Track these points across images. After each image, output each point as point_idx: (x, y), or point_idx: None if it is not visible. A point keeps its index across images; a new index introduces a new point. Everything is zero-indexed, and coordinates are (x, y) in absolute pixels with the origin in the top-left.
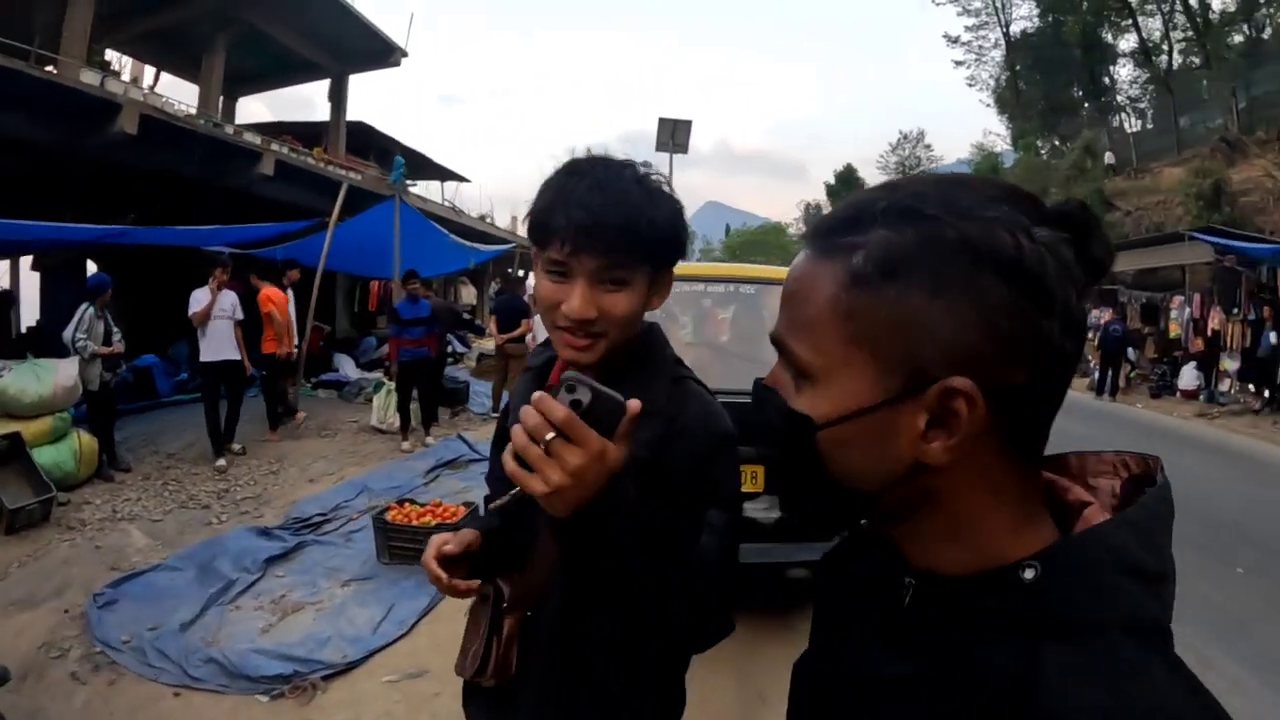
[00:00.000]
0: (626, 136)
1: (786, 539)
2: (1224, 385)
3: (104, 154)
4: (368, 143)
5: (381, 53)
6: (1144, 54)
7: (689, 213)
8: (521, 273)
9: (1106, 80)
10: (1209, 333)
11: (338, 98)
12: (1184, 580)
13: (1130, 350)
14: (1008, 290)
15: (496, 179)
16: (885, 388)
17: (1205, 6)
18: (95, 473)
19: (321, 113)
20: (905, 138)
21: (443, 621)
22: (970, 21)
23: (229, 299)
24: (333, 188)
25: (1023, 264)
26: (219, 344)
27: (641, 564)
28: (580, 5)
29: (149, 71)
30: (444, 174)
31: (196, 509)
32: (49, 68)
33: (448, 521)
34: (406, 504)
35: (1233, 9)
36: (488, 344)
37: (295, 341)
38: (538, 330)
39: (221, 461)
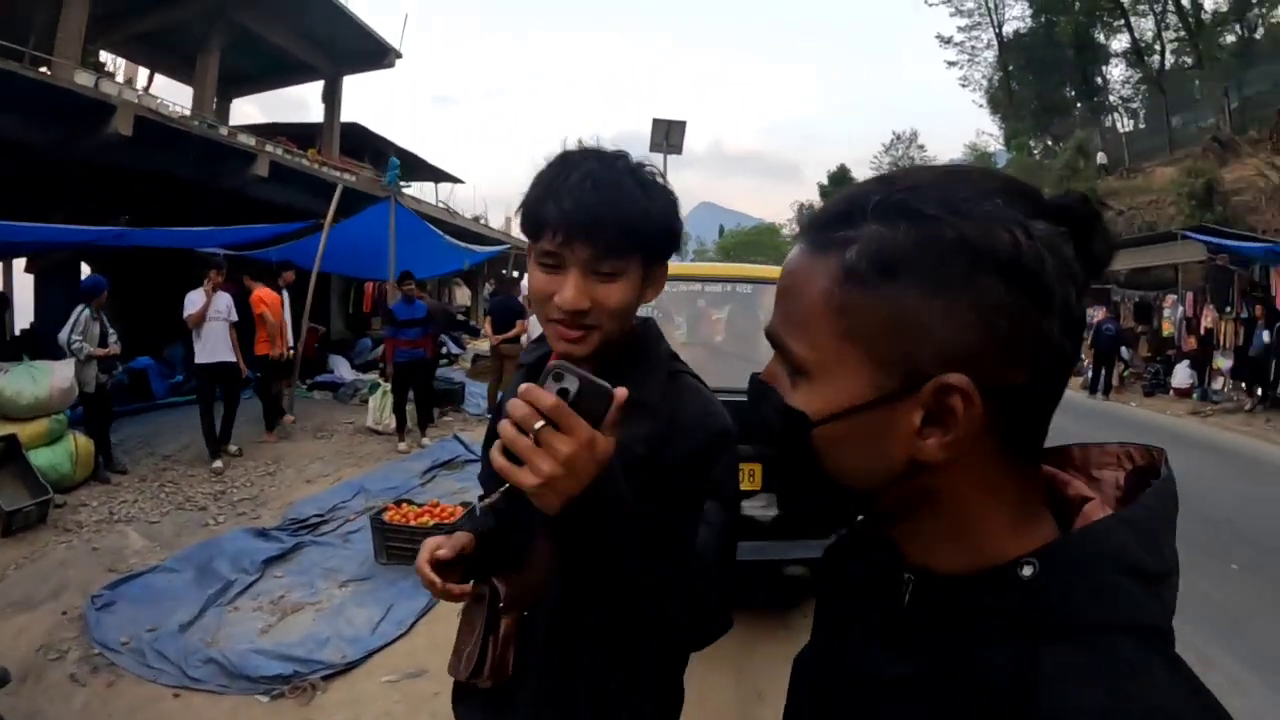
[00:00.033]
0: (621, 137)
1: (784, 537)
2: (1217, 383)
3: (98, 155)
4: (362, 144)
5: (375, 54)
6: (1136, 54)
7: (682, 213)
8: (516, 274)
9: (1099, 80)
10: (1202, 331)
11: (332, 99)
12: (1181, 577)
13: (1124, 349)
14: (1005, 289)
15: (490, 180)
16: (880, 384)
17: (1197, 7)
18: (91, 475)
19: (314, 114)
20: (899, 138)
21: (441, 621)
22: (963, 22)
23: (224, 301)
24: (327, 189)
25: (1020, 262)
26: (214, 346)
27: (638, 561)
28: (574, 6)
29: (143, 73)
30: (438, 175)
31: (193, 510)
32: (43, 69)
33: (446, 522)
34: (404, 504)
35: (1225, 9)
36: (483, 345)
37: (290, 343)
38: (533, 330)
39: (218, 463)
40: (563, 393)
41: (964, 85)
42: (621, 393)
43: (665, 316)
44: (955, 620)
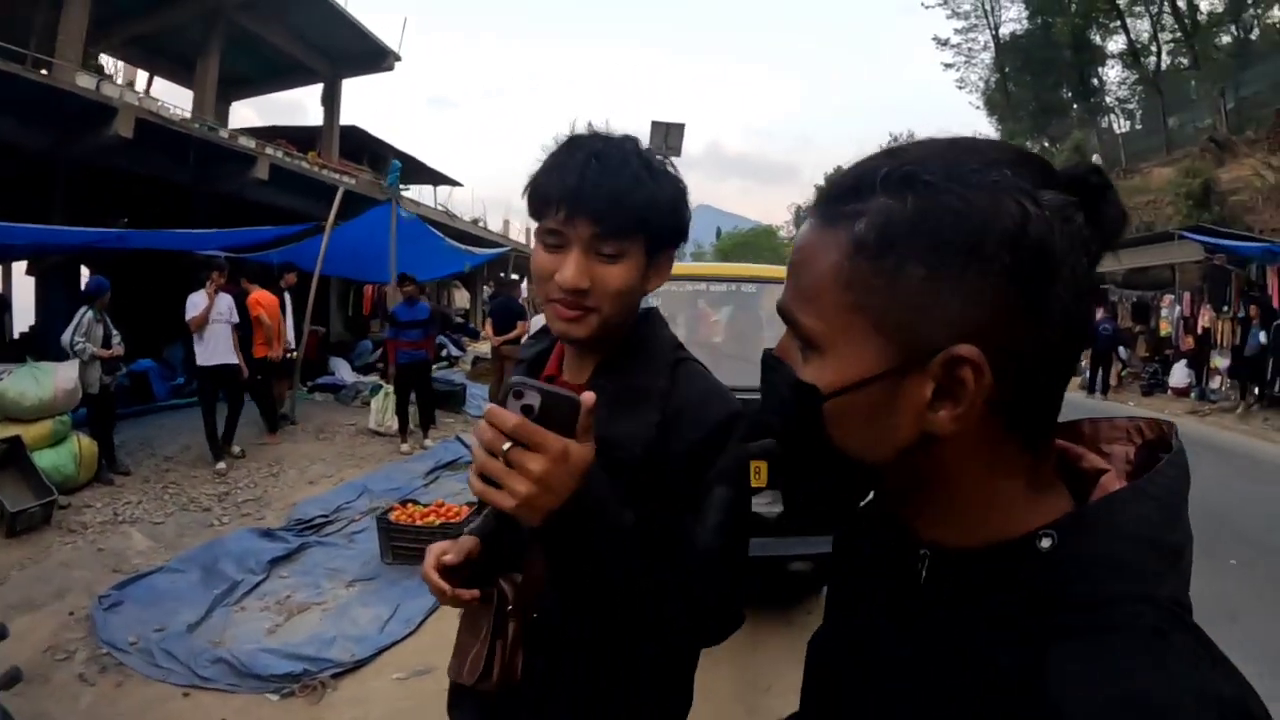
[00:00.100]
0: None
1: (789, 533)
2: (1215, 383)
3: (98, 158)
4: (361, 147)
5: (374, 56)
6: (1133, 55)
7: None
8: (515, 276)
9: (1095, 81)
10: (1199, 331)
11: (331, 101)
12: None
13: (1121, 349)
14: (1012, 258)
15: (488, 183)
16: (890, 357)
17: (1193, 7)
18: (95, 476)
19: (310, 118)
20: (896, 140)
21: (449, 620)
22: (960, 24)
23: (225, 302)
24: (327, 192)
25: (1027, 231)
26: (216, 348)
27: (628, 566)
28: (573, 8)
29: (142, 76)
30: (436, 178)
31: (197, 511)
32: (44, 71)
33: (452, 521)
34: (409, 504)
35: (1220, 10)
36: (484, 347)
37: (292, 346)
38: (533, 331)
39: (221, 464)
40: (526, 409)
41: (961, 87)
42: (589, 397)
43: (665, 317)
44: (969, 594)
